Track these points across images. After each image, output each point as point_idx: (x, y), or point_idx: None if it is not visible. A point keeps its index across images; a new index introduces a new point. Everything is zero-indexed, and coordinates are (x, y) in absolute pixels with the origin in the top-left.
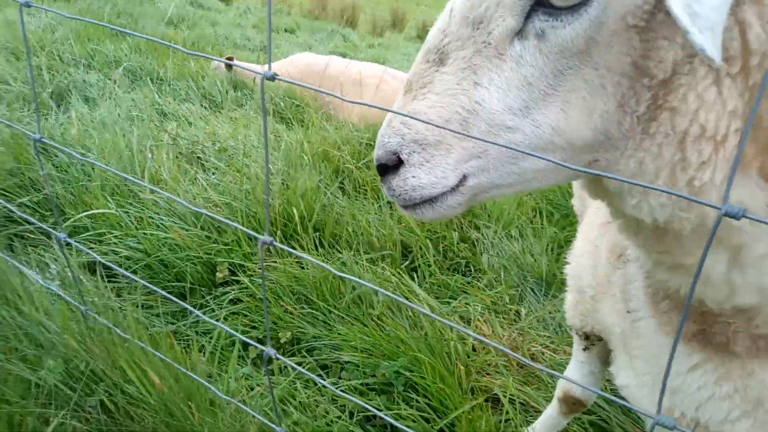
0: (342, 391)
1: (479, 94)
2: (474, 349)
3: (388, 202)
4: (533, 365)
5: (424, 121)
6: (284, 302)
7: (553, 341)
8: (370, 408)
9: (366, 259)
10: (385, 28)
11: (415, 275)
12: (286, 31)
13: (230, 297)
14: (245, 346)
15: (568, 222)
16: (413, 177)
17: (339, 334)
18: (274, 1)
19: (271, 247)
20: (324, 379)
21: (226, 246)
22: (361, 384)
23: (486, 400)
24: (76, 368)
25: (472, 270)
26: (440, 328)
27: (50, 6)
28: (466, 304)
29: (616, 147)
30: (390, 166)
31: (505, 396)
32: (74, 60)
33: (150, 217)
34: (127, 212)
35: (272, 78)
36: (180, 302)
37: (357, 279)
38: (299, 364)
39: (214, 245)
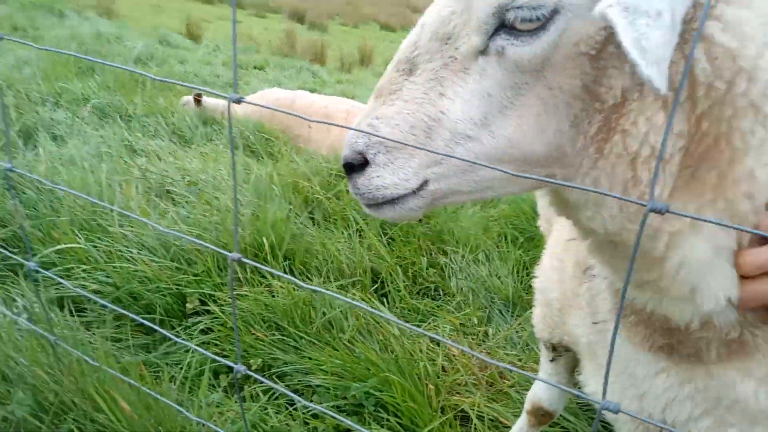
0: (312, 415)
1: (444, 104)
2: (444, 369)
3: (358, 230)
4: (509, 368)
5: (386, 137)
6: (255, 329)
7: (520, 359)
8: (344, 421)
9: (336, 286)
10: (353, 64)
11: (385, 300)
12: (255, 68)
13: (201, 327)
14: (215, 374)
15: (533, 245)
16: (378, 177)
17: (310, 358)
18: (243, 39)
19: (241, 277)
20: (295, 402)
21: (197, 277)
22: (333, 406)
23: (455, 418)
24: (46, 399)
25: (441, 294)
26: (410, 350)
27: (18, 49)
28: (435, 326)
29: (571, 164)
30: (356, 165)
31: (474, 412)
32: (42, 98)
33: (119, 250)
34: (95, 246)
35: (238, 101)
36: (152, 325)
37: (331, 293)
38: (270, 390)
39: (185, 276)
